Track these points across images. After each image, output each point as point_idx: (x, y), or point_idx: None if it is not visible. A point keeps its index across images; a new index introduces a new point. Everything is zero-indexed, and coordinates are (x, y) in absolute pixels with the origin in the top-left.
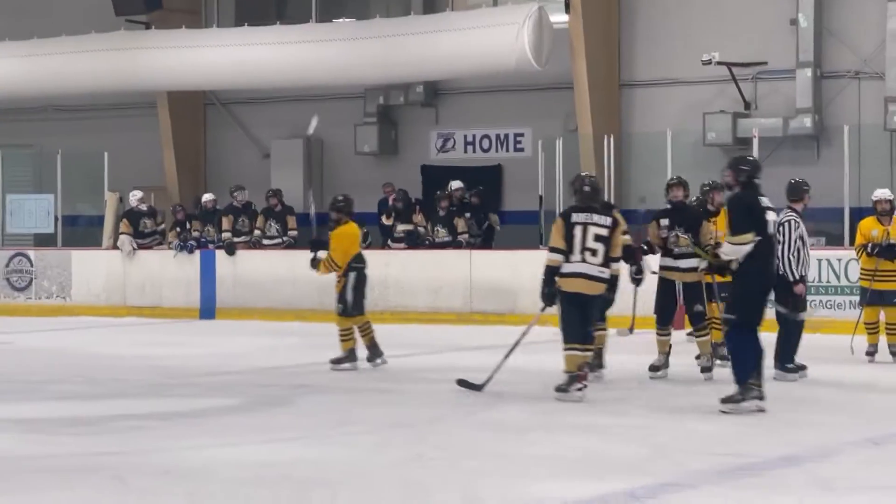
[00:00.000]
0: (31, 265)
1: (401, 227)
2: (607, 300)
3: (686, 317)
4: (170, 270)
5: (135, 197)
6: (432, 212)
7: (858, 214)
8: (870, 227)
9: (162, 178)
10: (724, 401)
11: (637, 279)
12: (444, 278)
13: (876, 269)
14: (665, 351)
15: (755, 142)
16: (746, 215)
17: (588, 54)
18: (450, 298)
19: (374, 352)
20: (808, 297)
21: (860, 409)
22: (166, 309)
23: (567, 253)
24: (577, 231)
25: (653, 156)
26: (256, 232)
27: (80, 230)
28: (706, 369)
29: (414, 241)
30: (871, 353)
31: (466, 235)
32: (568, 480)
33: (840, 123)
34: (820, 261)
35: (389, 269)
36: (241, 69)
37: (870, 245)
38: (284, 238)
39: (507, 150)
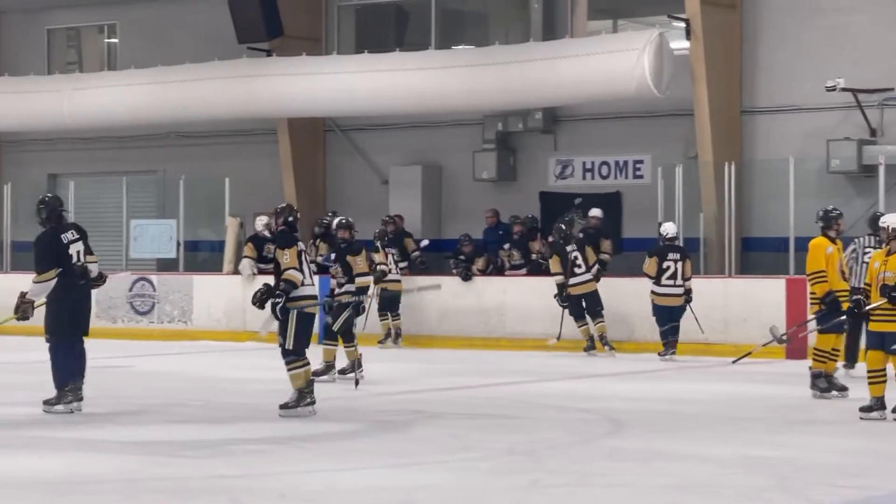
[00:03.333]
0: (154, 290)
1: (518, 256)
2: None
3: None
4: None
5: (260, 222)
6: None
7: None
8: None
9: (282, 203)
10: (47, 402)
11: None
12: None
13: None
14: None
15: (881, 169)
16: (48, 253)
17: (709, 80)
18: (567, 326)
19: None
20: None
21: None
22: None
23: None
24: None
25: (775, 183)
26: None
27: (201, 255)
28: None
29: (535, 269)
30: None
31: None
32: None
33: None
34: None
35: (507, 295)
36: (361, 96)
37: None
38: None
39: (627, 177)
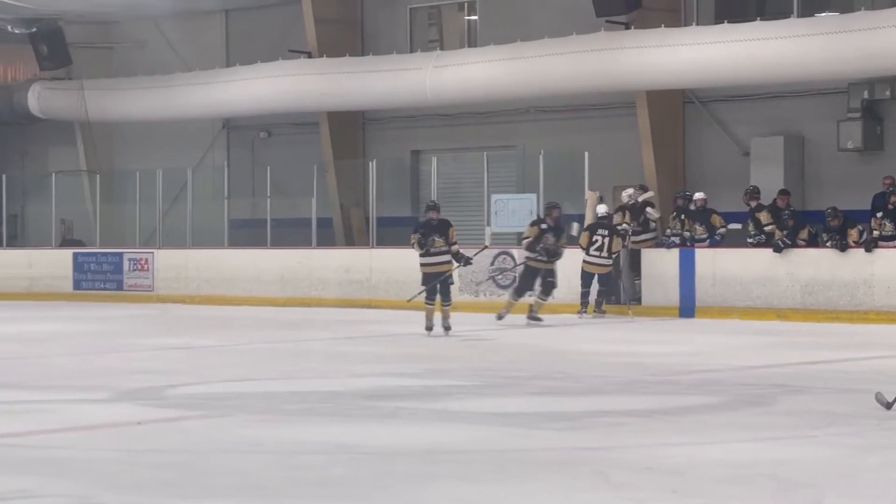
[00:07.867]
0: (516, 263)
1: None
2: None
3: None
4: (647, 269)
5: (626, 193)
6: None
7: None
8: None
9: (641, 176)
10: None
11: None
12: None
13: None
14: None
15: None
16: None
17: None
18: None
19: None
20: None
21: None
22: (644, 307)
23: None
24: None
25: None
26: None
27: None
28: None
29: None
30: None
31: None
32: None
33: None
34: None
35: (875, 267)
36: (720, 66)
37: None
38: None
39: None
